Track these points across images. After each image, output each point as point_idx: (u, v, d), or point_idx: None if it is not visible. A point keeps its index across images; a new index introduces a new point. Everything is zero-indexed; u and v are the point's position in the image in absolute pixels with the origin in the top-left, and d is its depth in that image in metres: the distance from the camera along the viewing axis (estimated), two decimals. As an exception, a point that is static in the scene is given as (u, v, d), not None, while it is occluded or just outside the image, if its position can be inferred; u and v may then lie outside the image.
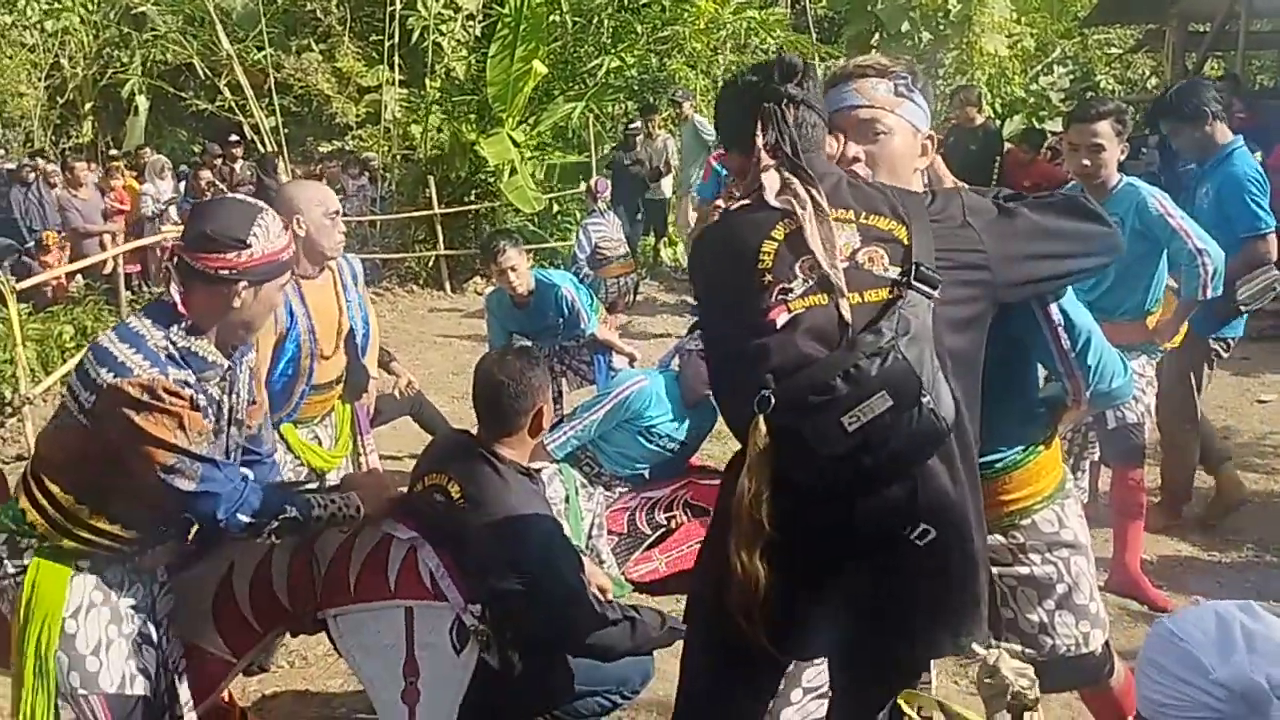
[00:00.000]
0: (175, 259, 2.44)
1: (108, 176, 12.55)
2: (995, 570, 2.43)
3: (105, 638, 2.46)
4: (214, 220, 2.43)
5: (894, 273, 1.85)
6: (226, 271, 2.40)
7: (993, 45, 15.60)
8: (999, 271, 1.94)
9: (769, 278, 1.88)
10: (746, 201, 1.97)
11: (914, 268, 1.84)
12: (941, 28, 15.88)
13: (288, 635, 3.67)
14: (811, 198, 1.90)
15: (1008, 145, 10.09)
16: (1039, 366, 2.35)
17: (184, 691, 2.65)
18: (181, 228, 9.35)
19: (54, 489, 2.43)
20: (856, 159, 2.14)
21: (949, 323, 1.86)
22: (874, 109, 2.16)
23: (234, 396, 2.56)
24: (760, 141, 1.96)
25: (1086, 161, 3.94)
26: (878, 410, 1.72)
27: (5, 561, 2.46)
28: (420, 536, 2.73)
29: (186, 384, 2.37)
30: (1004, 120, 14.60)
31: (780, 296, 1.85)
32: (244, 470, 2.57)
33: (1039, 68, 17.00)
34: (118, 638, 2.48)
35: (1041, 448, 2.41)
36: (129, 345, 2.35)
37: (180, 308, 2.41)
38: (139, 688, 2.49)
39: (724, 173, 7.05)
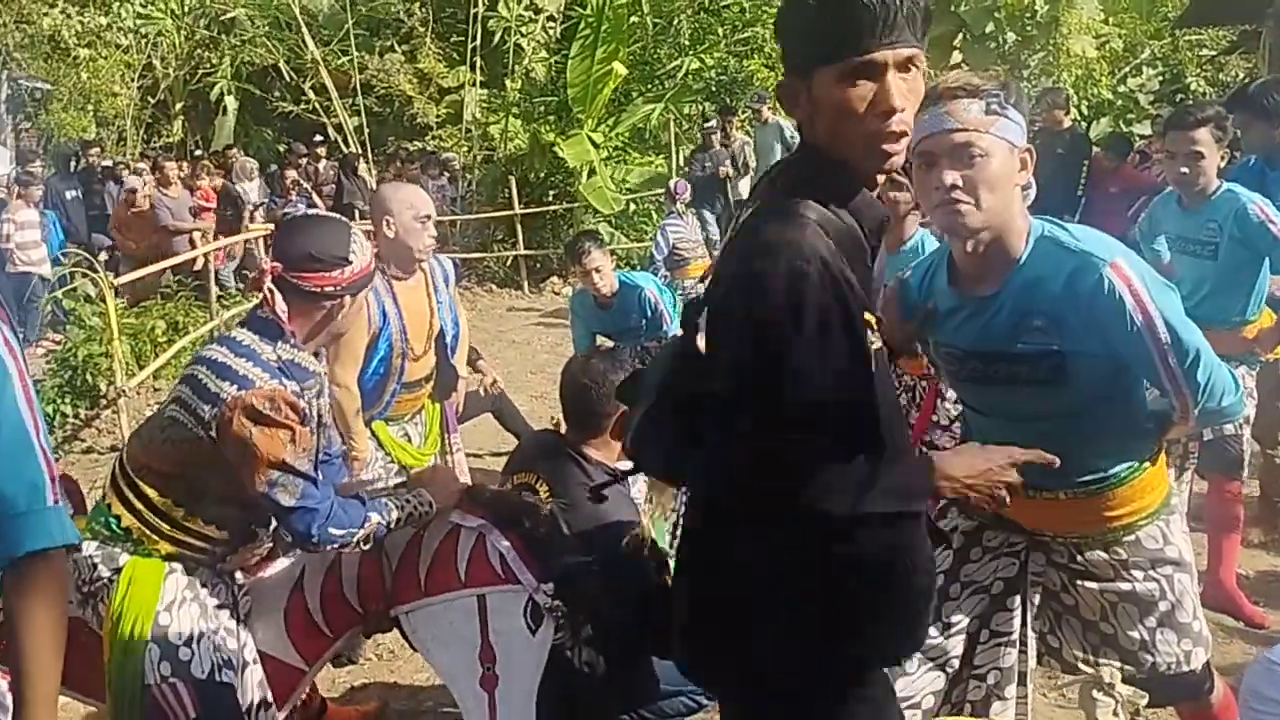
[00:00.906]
0: (276, 279, 2.52)
1: (194, 175, 12.85)
2: (1095, 585, 2.39)
3: (196, 630, 2.53)
4: (315, 241, 2.54)
5: None
6: (332, 288, 2.53)
7: (1080, 46, 15.30)
8: None
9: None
10: None
11: None
12: (1028, 29, 15.61)
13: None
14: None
15: (1095, 149, 9.89)
16: (1145, 383, 2.30)
17: (262, 689, 2.69)
18: (265, 228, 9.53)
19: (150, 492, 2.50)
20: (955, 185, 2.10)
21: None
22: (968, 132, 2.10)
23: (322, 399, 2.63)
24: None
25: (1185, 169, 3.86)
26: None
27: (99, 565, 2.51)
28: (488, 523, 2.75)
29: (300, 396, 2.46)
30: (1091, 123, 14.33)
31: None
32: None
33: (1127, 69, 16.64)
34: (208, 631, 2.55)
35: (1147, 464, 2.36)
36: (245, 359, 2.45)
37: (281, 324, 2.51)
38: (226, 678, 2.55)
39: None
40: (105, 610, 2.50)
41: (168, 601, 2.51)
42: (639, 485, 4.39)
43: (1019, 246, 2.19)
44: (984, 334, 2.23)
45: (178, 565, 2.55)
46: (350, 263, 2.54)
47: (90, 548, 2.52)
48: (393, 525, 2.62)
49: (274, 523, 2.61)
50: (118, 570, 2.50)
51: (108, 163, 13.47)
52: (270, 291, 2.52)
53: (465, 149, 15.17)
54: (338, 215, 2.69)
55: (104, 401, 7.67)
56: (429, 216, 3.65)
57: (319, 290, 2.53)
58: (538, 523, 2.75)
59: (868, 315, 1.68)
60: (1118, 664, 2.40)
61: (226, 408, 2.38)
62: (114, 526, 2.52)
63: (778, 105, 11.80)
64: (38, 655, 1.63)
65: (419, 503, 2.69)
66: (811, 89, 1.65)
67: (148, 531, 2.51)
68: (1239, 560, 4.24)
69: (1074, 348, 2.15)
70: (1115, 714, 2.37)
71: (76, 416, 7.71)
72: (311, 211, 3.40)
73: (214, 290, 9.46)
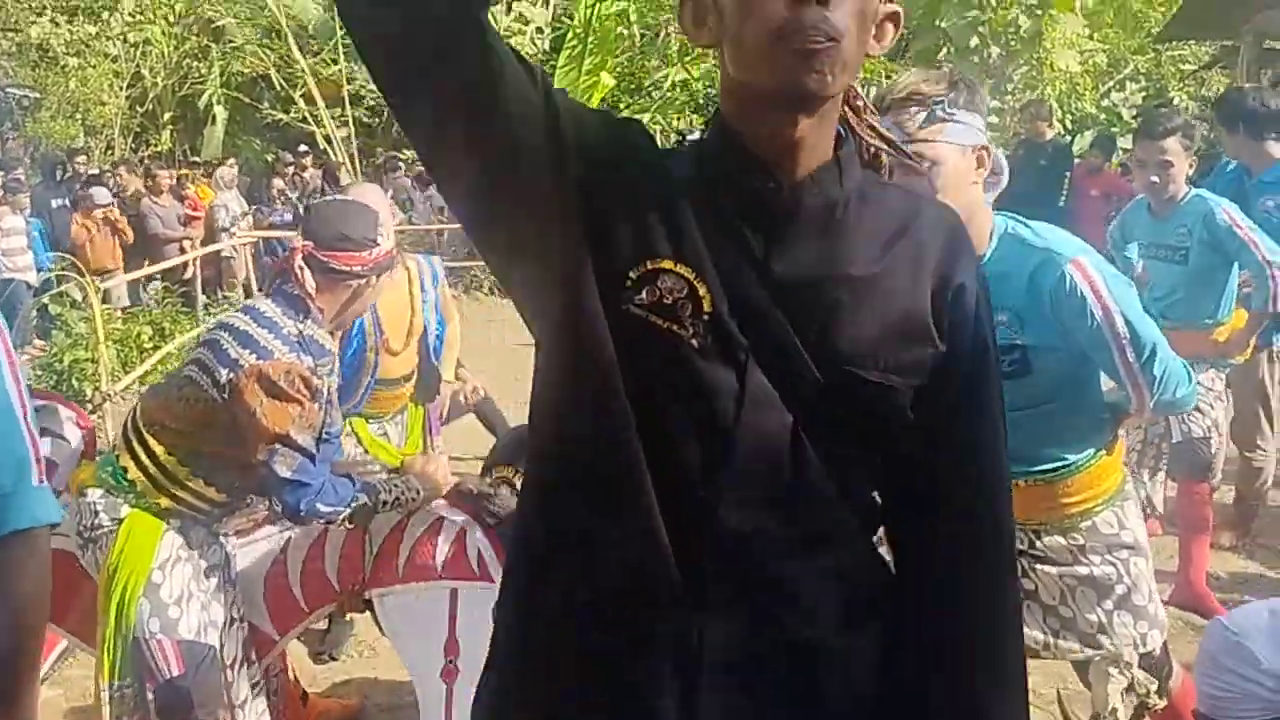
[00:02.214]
0: (306, 257, 2.65)
1: (180, 185, 12.87)
2: (1054, 570, 2.46)
3: (186, 590, 2.63)
4: (347, 223, 2.69)
5: None
6: (360, 268, 2.67)
7: (1064, 61, 15.44)
8: None
9: None
10: None
11: None
12: (1012, 43, 15.75)
13: (358, 627, 3.80)
14: None
15: (1077, 158, 10.02)
16: (1102, 375, 2.37)
17: (234, 652, 2.78)
18: (251, 236, 9.53)
19: (157, 448, 2.60)
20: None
21: None
22: (915, 143, 2.12)
23: (332, 377, 2.73)
24: None
25: (1155, 178, 3.95)
26: None
27: (101, 513, 2.62)
28: (471, 519, 2.81)
29: (315, 374, 2.56)
30: (1075, 136, 14.47)
31: None
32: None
33: (1111, 84, 16.83)
34: (197, 592, 2.66)
35: (1104, 453, 2.43)
36: (267, 330, 2.56)
37: (307, 300, 2.64)
38: (211, 638, 2.65)
39: None
40: (102, 558, 2.60)
41: (162, 559, 2.60)
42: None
43: (982, 242, 2.25)
44: (948, 327, 2.29)
45: (175, 523, 2.65)
46: (378, 244, 2.68)
47: (95, 495, 2.63)
48: (379, 509, 2.70)
49: (269, 494, 2.70)
50: (118, 520, 2.60)
51: (95, 170, 13.49)
52: (300, 269, 2.64)
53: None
54: (363, 201, 2.85)
55: (89, 407, 7.69)
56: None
57: (348, 269, 2.66)
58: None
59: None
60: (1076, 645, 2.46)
61: (244, 374, 2.48)
62: (119, 477, 2.63)
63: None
64: (18, 634, 1.64)
65: (407, 489, 2.77)
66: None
67: (151, 486, 2.61)
68: (1210, 562, 4.31)
69: (1036, 341, 2.22)
70: (1126, 693, 2.42)
71: (62, 421, 7.73)
72: (341, 196, 3.48)
73: (200, 297, 9.48)
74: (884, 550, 1.33)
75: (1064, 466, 2.38)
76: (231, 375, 2.50)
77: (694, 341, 1.15)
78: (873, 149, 1.31)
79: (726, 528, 1.17)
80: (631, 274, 1.16)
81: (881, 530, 1.31)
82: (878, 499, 1.28)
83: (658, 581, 1.18)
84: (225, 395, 2.51)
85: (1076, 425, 2.38)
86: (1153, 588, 2.48)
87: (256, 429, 2.49)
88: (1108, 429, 2.44)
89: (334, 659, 3.93)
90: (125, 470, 2.63)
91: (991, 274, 2.20)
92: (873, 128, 1.32)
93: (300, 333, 2.60)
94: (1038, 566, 2.47)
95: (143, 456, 2.62)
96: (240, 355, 2.51)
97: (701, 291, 1.15)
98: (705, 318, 1.15)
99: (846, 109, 1.28)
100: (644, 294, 1.15)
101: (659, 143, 1.28)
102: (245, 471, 2.62)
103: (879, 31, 1.19)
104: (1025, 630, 2.52)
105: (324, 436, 2.70)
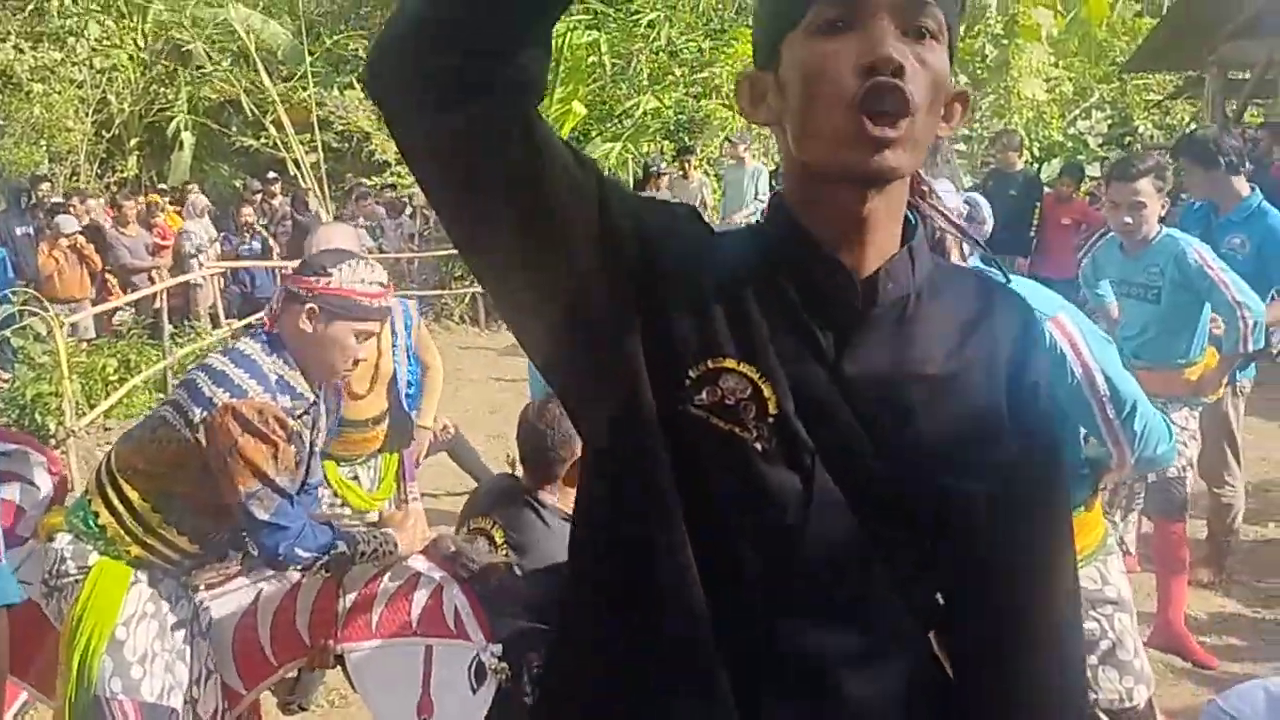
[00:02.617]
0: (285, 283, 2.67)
1: (149, 213, 12.74)
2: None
3: (151, 650, 2.57)
4: (315, 254, 2.73)
5: None
6: (303, 291, 2.60)
7: (1030, 90, 15.63)
8: None
9: None
10: None
11: None
12: (979, 72, 15.94)
13: (328, 675, 3.72)
14: None
15: (1047, 188, 10.12)
16: (1081, 431, 2.36)
17: (213, 704, 2.73)
18: (219, 267, 9.45)
19: (131, 494, 2.55)
20: None
21: None
22: None
23: (315, 431, 2.68)
24: None
25: (1128, 219, 3.96)
26: None
27: (68, 560, 2.56)
28: (448, 575, 2.75)
29: (292, 414, 2.52)
30: (1042, 164, 14.61)
31: None
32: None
33: (1077, 112, 17.02)
34: (161, 651, 2.59)
35: (1082, 509, 2.41)
36: (243, 370, 2.51)
37: (278, 332, 2.62)
38: (174, 700, 2.58)
39: None
40: (66, 607, 2.54)
41: (127, 615, 2.54)
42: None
43: None
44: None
45: (143, 575, 2.59)
46: (329, 275, 2.61)
47: (63, 540, 2.57)
48: (356, 559, 2.65)
49: (245, 543, 2.66)
50: (85, 569, 2.54)
51: (59, 198, 13.32)
52: (277, 304, 2.66)
53: (424, 186, 15.16)
54: (359, 251, 2.85)
55: (53, 442, 7.55)
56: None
57: (294, 289, 2.62)
58: (496, 582, 2.75)
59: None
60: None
61: (217, 412, 2.44)
62: (90, 523, 2.57)
63: (755, 150, 11.95)
64: None
65: (385, 542, 2.72)
66: (779, 73, 1.13)
67: (122, 533, 2.55)
68: (1188, 601, 4.30)
69: None
70: None
71: (24, 457, 7.58)
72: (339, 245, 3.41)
73: (167, 328, 9.36)
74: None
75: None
76: (205, 414, 2.46)
77: (757, 445, 1.08)
78: (938, 233, 1.25)
79: (787, 639, 1.11)
80: (691, 373, 1.09)
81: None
82: (940, 603, 1.22)
83: (711, 697, 1.11)
84: (199, 435, 2.46)
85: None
86: (1138, 643, 2.47)
87: (231, 469, 2.45)
88: (1087, 485, 2.42)
89: (303, 709, 3.83)
90: (96, 515, 2.57)
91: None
92: (940, 211, 1.27)
93: (280, 375, 2.56)
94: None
95: (115, 502, 2.56)
96: (215, 394, 2.46)
97: (766, 392, 1.08)
98: (770, 419, 1.08)
99: (911, 192, 1.20)
100: (704, 394, 1.09)
101: (630, 170, 1.21)
102: (220, 518, 2.56)
103: (948, 111, 1.13)
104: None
105: (304, 487, 2.65)
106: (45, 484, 2.68)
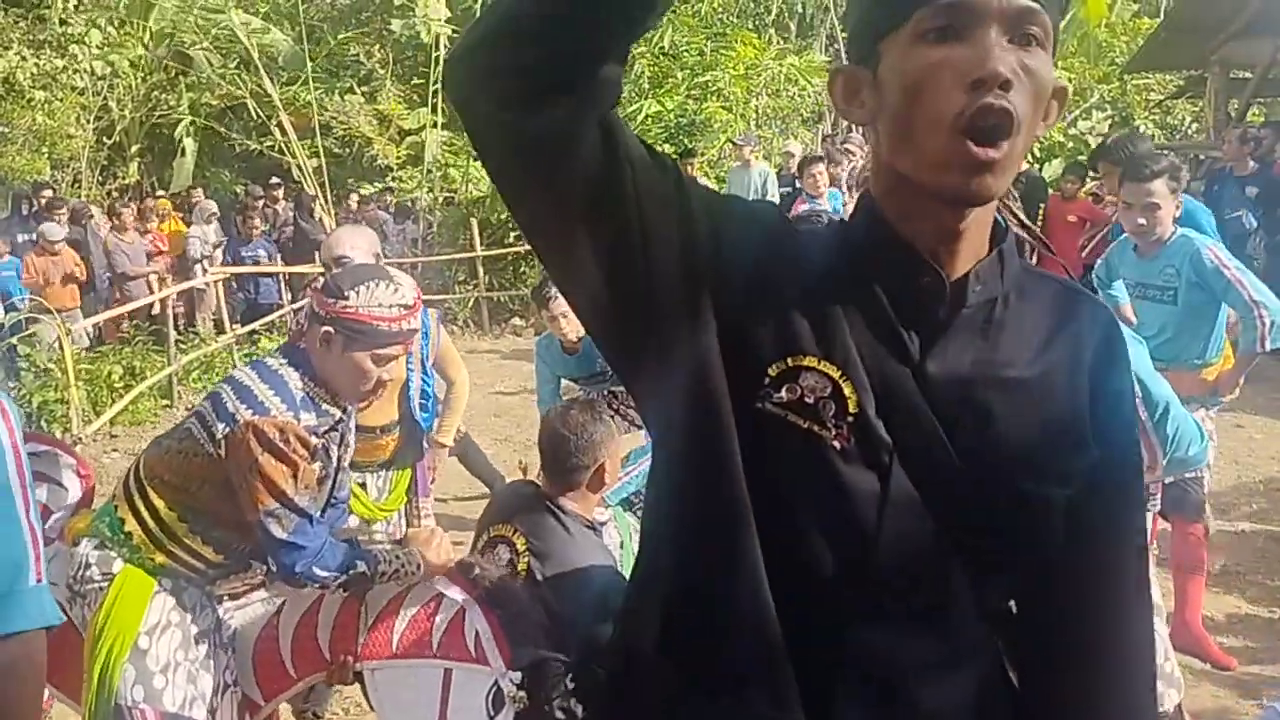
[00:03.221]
0: (313, 312, 2.62)
1: (142, 219, 12.69)
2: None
3: (174, 660, 2.56)
4: (339, 272, 2.68)
5: None
6: (323, 313, 2.56)
7: (1031, 90, 15.61)
8: None
9: None
10: None
11: None
12: (980, 73, 15.92)
13: (343, 686, 3.71)
14: None
15: (1050, 187, 10.12)
16: None
17: (229, 717, 2.72)
18: (223, 273, 9.45)
19: (157, 502, 2.54)
20: None
21: None
22: None
23: (342, 448, 2.67)
24: None
25: (1142, 220, 3.95)
26: None
27: (93, 566, 2.55)
28: (471, 599, 2.74)
29: (314, 433, 2.49)
30: (1043, 164, 14.60)
31: None
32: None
33: (1078, 112, 17.00)
34: (184, 661, 2.58)
35: None
36: (269, 385, 2.50)
37: (302, 344, 2.60)
38: (197, 712, 2.57)
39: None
40: (89, 613, 2.53)
41: (151, 624, 2.53)
42: (608, 531, 4.38)
43: None
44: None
45: (167, 584, 2.58)
46: (344, 298, 2.55)
47: (88, 546, 2.57)
48: (377, 579, 2.62)
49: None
50: (109, 576, 2.53)
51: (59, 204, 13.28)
52: (304, 319, 2.64)
53: (426, 190, 15.16)
54: (389, 271, 2.73)
55: (60, 450, 7.54)
56: (340, 258, 3.61)
57: (315, 309, 2.58)
58: (518, 608, 2.73)
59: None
60: None
61: (239, 428, 2.42)
62: (116, 530, 2.56)
63: (758, 151, 11.93)
64: None
65: (408, 562, 2.69)
66: (877, 72, 1.09)
67: (148, 540, 2.55)
68: (1204, 602, 4.29)
69: None
70: None
71: (31, 464, 7.57)
72: (369, 265, 3.38)
73: (172, 334, 9.34)
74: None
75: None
76: (227, 430, 2.44)
77: (835, 443, 1.07)
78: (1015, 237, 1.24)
79: (860, 642, 1.09)
80: (771, 370, 1.08)
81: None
82: (1012, 610, 1.21)
83: (782, 704, 1.10)
84: (221, 450, 2.45)
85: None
86: (1168, 646, 2.45)
87: (251, 487, 2.44)
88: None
89: (318, 717, 3.83)
90: (123, 521, 2.57)
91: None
92: (1015, 215, 1.25)
93: (306, 392, 2.54)
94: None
95: (142, 510, 2.56)
96: (238, 410, 2.45)
97: (847, 390, 1.07)
98: (850, 418, 1.07)
99: None
100: (783, 391, 1.08)
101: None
102: (243, 531, 2.55)
103: (1046, 111, 1.09)
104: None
105: (331, 501, 2.64)
106: (73, 486, 2.67)
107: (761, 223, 1.16)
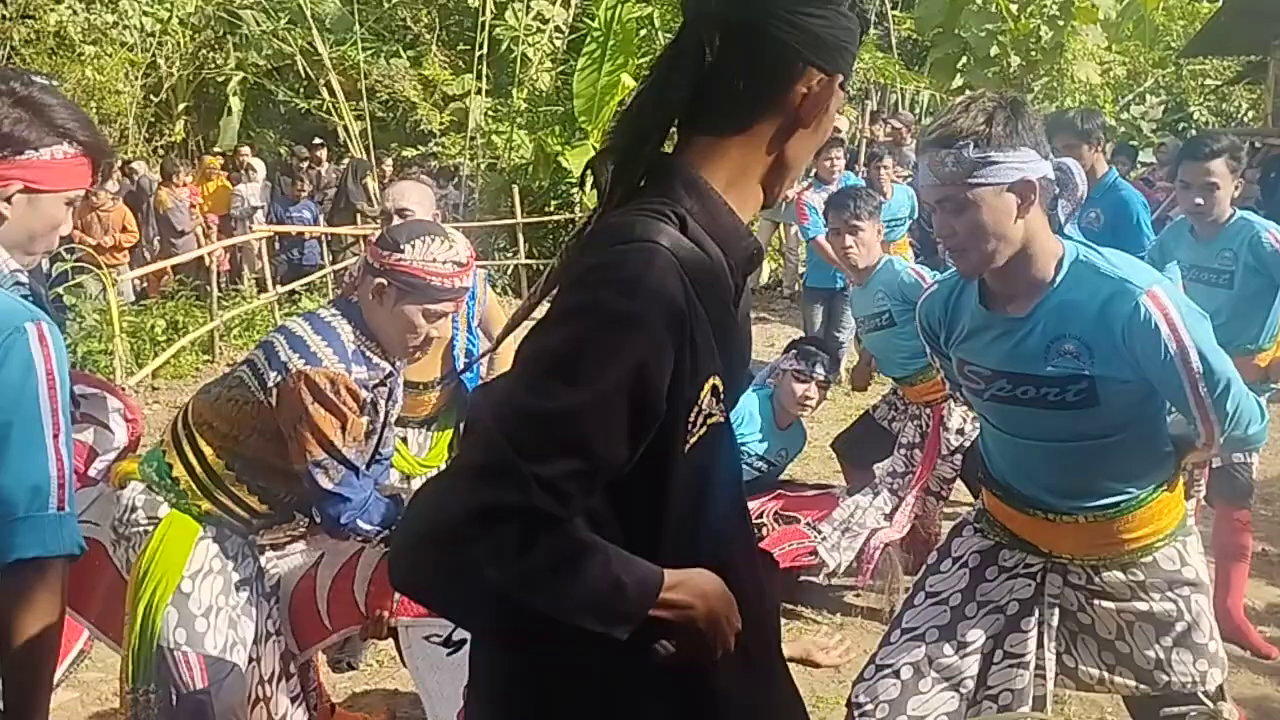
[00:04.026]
0: (367, 265, 2.62)
1: (205, 178, 12.74)
2: (1112, 605, 2.39)
3: (215, 604, 2.59)
4: (396, 227, 2.68)
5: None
6: (378, 265, 2.56)
7: (1084, 73, 15.40)
8: None
9: None
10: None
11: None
12: (1032, 53, 15.71)
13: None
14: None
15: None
16: (1168, 409, 2.30)
17: (271, 666, 2.75)
18: (267, 231, 9.47)
19: (207, 450, 2.56)
20: (950, 234, 2.15)
21: None
22: (944, 187, 2.12)
23: (390, 403, 2.68)
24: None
25: (1200, 200, 3.87)
26: None
27: (139, 510, 2.58)
28: None
29: (364, 386, 2.50)
30: (1094, 149, 14.39)
31: None
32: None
33: (1131, 97, 16.75)
34: (225, 606, 2.61)
35: (1165, 488, 2.36)
36: (322, 338, 2.51)
37: (355, 297, 2.60)
38: (237, 656, 2.60)
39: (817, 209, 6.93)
40: (133, 555, 2.57)
41: (194, 569, 2.56)
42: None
43: (1048, 270, 2.19)
44: (1013, 355, 2.23)
45: (210, 530, 2.61)
46: (400, 251, 2.55)
47: (135, 489, 2.60)
48: None
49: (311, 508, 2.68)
50: (155, 520, 2.56)
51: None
52: (356, 271, 2.63)
53: (469, 156, 15.17)
54: (445, 228, 2.74)
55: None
56: (403, 210, 3.63)
57: (370, 262, 2.59)
58: None
59: (715, 380, 1.27)
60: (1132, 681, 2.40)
61: (291, 378, 2.45)
62: (164, 474, 2.59)
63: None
64: (23, 668, 1.59)
65: None
66: (814, 88, 1.29)
67: (194, 487, 2.57)
68: (1246, 590, 4.23)
69: (1104, 373, 2.15)
70: None
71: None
72: (425, 220, 3.41)
73: (215, 291, 9.42)
74: None
75: (1125, 501, 2.30)
76: (280, 378, 2.46)
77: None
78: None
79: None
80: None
81: None
82: None
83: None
84: (272, 399, 2.47)
85: (1140, 458, 2.31)
86: (1214, 625, 2.41)
87: (300, 437, 2.46)
88: (1171, 463, 2.37)
89: (353, 667, 3.87)
90: (170, 467, 2.59)
91: (1060, 302, 2.17)
92: None
93: (359, 345, 2.55)
94: (1095, 601, 2.41)
95: (190, 456, 2.58)
96: (290, 359, 2.46)
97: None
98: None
99: None
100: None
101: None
102: (289, 481, 2.57)
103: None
104: (1079, 664, 2.48)
105: (376, 456, 2.65)
106: (120, 430, 2.69)
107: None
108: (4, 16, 15.54)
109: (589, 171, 1.32)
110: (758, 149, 1.33)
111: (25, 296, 1.73)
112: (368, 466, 2.58)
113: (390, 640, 3.72)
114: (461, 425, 3.95)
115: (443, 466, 3.95)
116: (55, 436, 1.61)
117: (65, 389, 1.65)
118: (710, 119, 1.31)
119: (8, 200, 1.74)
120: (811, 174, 7.65)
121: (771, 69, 1.29)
